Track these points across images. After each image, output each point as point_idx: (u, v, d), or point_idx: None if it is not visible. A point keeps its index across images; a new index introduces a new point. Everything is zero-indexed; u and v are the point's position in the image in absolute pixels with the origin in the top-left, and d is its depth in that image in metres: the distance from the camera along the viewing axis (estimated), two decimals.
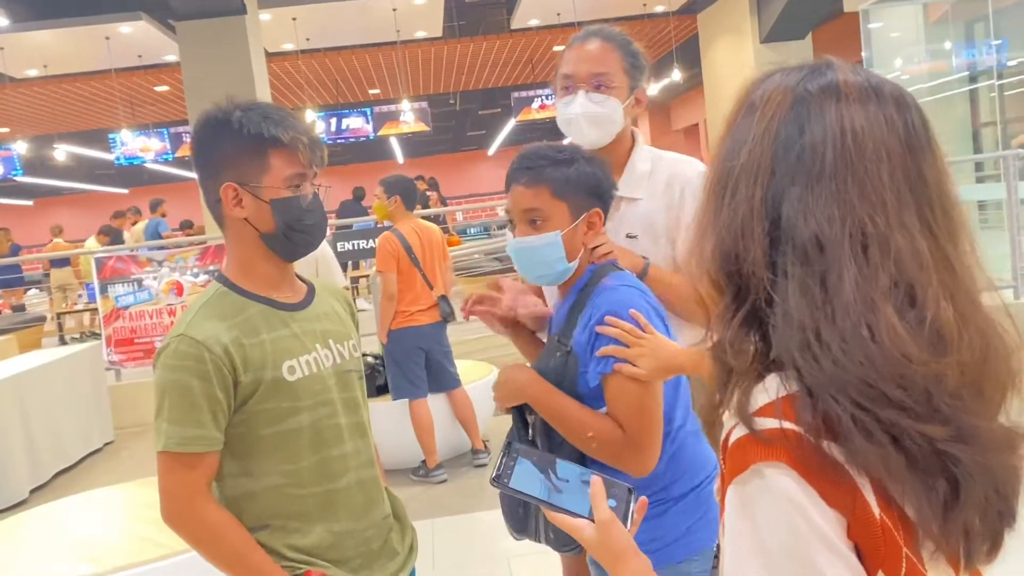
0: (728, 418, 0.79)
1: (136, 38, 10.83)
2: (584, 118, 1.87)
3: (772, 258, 0.76)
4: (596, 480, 1.01)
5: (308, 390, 1.49)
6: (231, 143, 1.45)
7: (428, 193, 11.68)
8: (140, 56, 12.05)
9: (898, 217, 0.75)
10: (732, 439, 0.77)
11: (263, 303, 1.51)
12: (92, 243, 11.24)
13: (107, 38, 10.64)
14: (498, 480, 1.07)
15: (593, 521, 1.00)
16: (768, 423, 0.74)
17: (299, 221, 1.49)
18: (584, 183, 1.58)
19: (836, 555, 0.72)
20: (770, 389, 0.76)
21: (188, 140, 13.74)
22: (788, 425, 0.73)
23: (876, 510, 0.73)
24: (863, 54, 8.45)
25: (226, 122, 1.45)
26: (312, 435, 1.50)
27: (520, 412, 1.67)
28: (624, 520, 1.00)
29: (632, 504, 1.02)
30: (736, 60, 11.49)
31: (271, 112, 1.47)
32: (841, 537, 0.73)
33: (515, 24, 12.59)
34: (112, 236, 11.39)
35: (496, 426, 5.43)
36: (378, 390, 4.78)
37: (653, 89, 16.05)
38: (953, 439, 0.72)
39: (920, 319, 0.72)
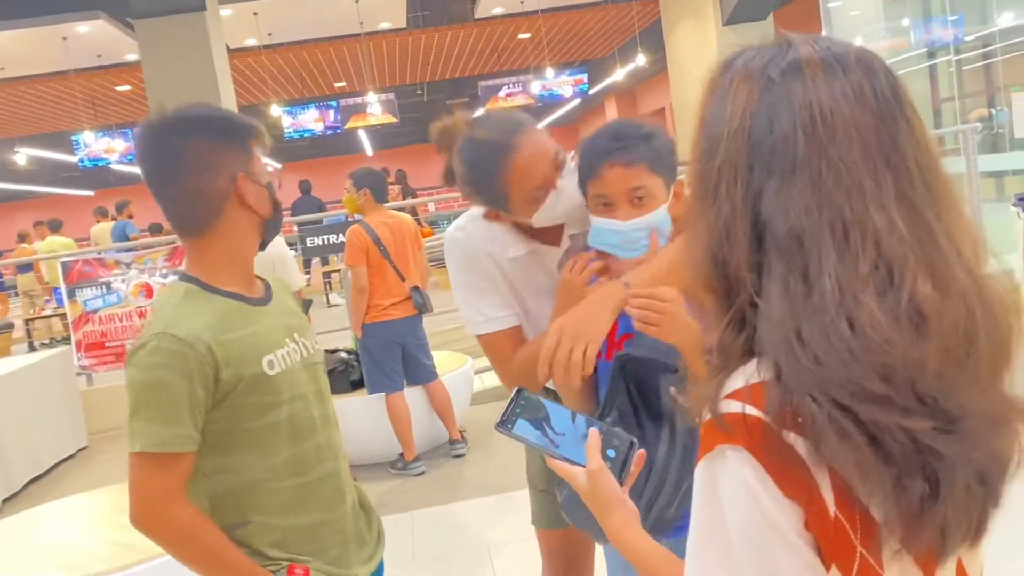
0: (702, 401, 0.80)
1: (95, 37, 10.66)
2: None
3: (756, 258, 0.76)
4: (593, 431, 1.04)
5: (285, 384, 1.51)
6: (215, 141, 1.49)
7: (392, 186, 11.61)
8: (100, 56, 11.87)
9: (876, 197, 0.74)
10: (704, 419, 0.78)
11: (234, 299, 1.52)
12: (47, 244, 11.06)
13: (65, 38, 10.47)
14: (502, 425, 1.10)
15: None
16: (733, 406, 0.75)
17: (278, 202, 1.58)
18: (668, 155, 1.58)
19: (791, 548, 0.73)
20: (746, 374, 0.76)
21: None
22: (751, 411, 0.73)
23: (832, 508, 0.72)
24: (823, 33, 8.53)
25: (202, 122, 1.50)
26: (289, 428, 1.51)
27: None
28: (622, 470, 1.04)
29: (631, 456, 1.05)
30: (699, 43, 11.53)
31: (219, 110, 1.56)
32: (797, 528, 0.73)
33: (479, 13, 12.55)
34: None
35: (472, 416, 5.45)
36: (353, 385, 4.77)
37: (619, 74, 16.08)
38: (937, 430, 0.71)
39: (897, 300, 0.71)
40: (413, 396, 4.65)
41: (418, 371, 4.65)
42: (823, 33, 8.44)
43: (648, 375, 1.51)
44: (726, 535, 0.75)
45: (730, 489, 0.75)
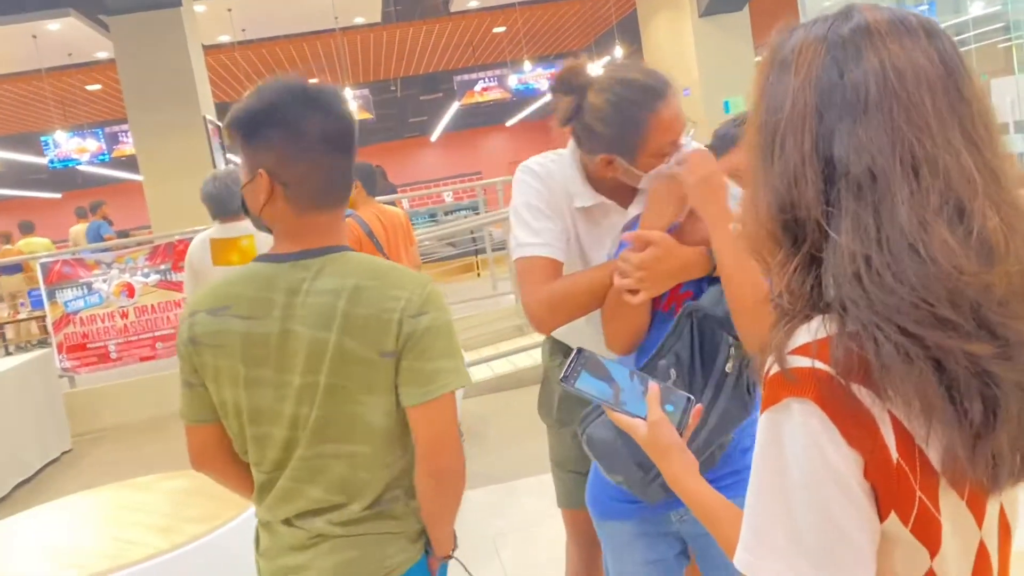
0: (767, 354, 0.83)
1: (65, 35, 10.48)
2: None
3: (826, 200, 0.79)
4: (653, 386, 1.10)
5: None
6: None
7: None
8: (70, 54, 11.67)
9: (944, 136, 0.78)
10: (770, 373, 0.81)
11: None
12: (27, 246, 10.88)
13: (34, 36, 10.27)
14: (566, 380, 1.15)
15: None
16: (801, 361, 0.78)
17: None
18: None
19: (847, 496, 0.77)
20: (812, 329, 0.79)
21: (124, 139, 13.40)
22: (819, 365, 0.77)
23: (894, 453, 0.77)
24: (801, 21, 8.59)
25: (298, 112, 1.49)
26: None
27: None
28: (680, 424, 1.09)
29: (689, 410, 1.11)
30: (676, 35, 11.58)
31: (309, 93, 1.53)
32: (856, 478, 0.77)
33: (454, 7, 12.50)
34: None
35: (467, 409, 5.43)
36: None
37: (596, 67, 16.12)
38: (997, 356, 0.75)
39: (968, 231, 0.75)
40: None
41: None
42: (801, 21, 8.51)
43: (709, 330, 1.53)
44: (787, 484, 0.79)
45: (795, 439, 0.78)
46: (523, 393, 5.77)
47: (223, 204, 3.91)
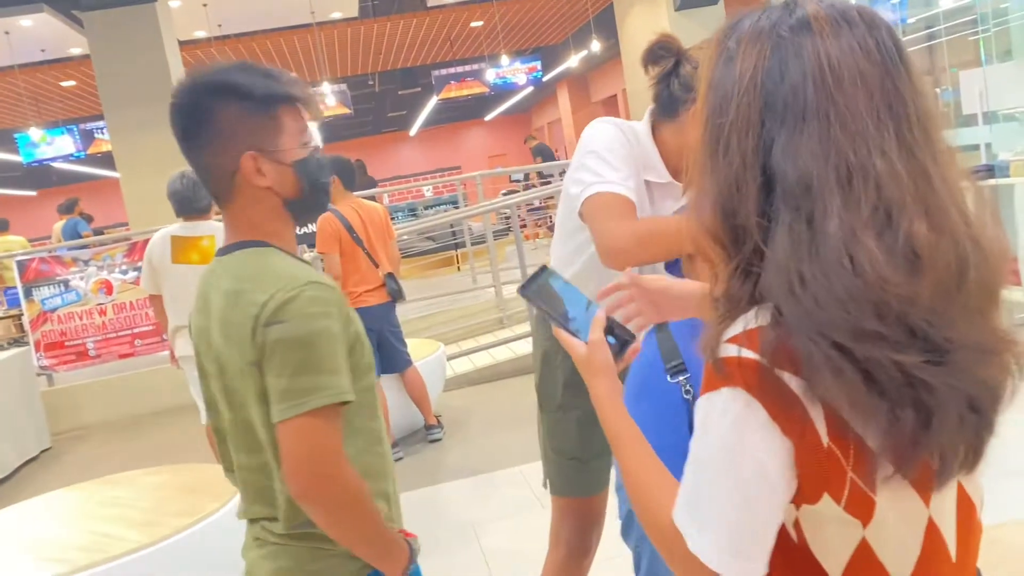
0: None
1: (38, 31, 10.36)
2: None
3: (764, 208, 0.80)
4: (600, 313, 1.13)
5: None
6: (237, 108, 1.33)
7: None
8: (43, 50, 11.54)
9: (878, 143, 0.78)
10: (707, 363, 0.84)
11: (304, 263, 1.44)
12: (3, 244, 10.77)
13: (7, 32, 10.16)
14: (524, 289, 1.16)
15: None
16: (730, 350, 0.81)
17: (318, 180, 1.41)
18: None
19: (761, 479, 0.81)
20: (745, 320, 0.82)
21: (100, 136, 13.28)
22: (747, 353, 0.79)
23: (824, 439, 0.79)
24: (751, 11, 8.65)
25: (229, 87, 1.33)
26: (374, 394, 1.46)
27: None
28: (617, 356, 1.12)
29: (628, 347, 1.13)
30: (652, 28, 11.56)
31: (268, 70, 1.37)
32: (776, 462, 0.81)
33: (431, 1, 12.48)
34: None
35: (446, 402, 5.47)
36: None
37: (573, 61, 16.15)
38: (927, 363, 0.76)
39: (894, 240, 0.76)
40: (387, 383, 4.66)
41: (394, 358, 4.65)
42: None
43: None
44: (711, 465, 0.84)
45: (718, 423, 0.82)
46: (502, 385, 5.81)
47: (188, 202, 3.92)
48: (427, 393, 4.81)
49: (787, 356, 0.78)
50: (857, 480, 0.80)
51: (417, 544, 1.45)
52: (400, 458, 4.62)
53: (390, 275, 4.56)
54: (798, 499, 0.84)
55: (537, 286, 1.16)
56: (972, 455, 0.83)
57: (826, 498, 0.82)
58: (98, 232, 12.28)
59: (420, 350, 5.19)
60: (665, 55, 1.76)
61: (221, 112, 1.34)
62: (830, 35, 0.81)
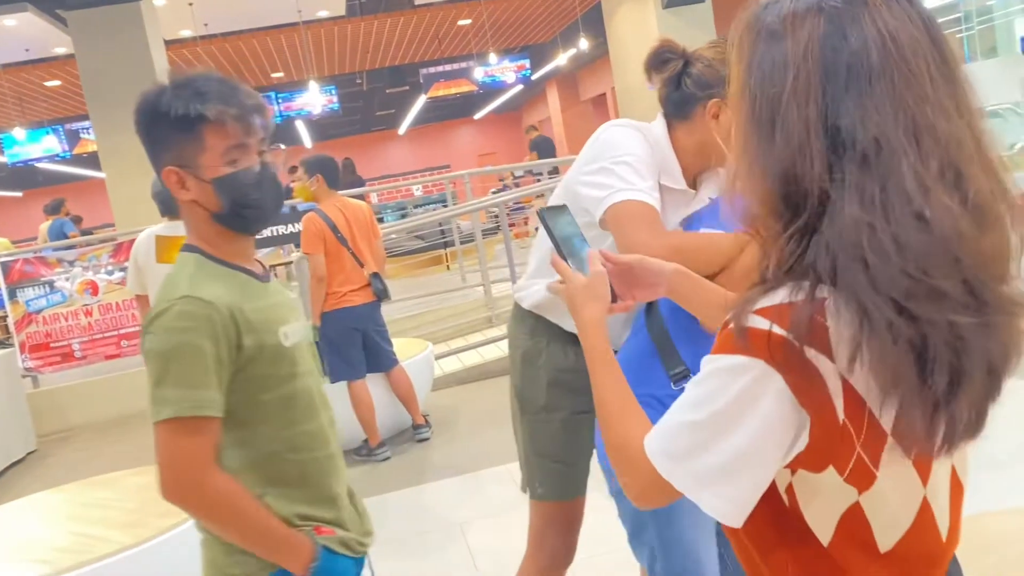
0: (736, 309, 0.87)
1: (22, 31, 10.30)
2: None
3: (831, 172, 0.81)
4: (594, 252, 1.24)
5: (299, 356, 1.50)
6: (163, 126, 1.42)
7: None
8: (28, 50, 11.47)
9: (940, 104, 0.81)
10: (731, 325, 0.85)
11: (242, 272, 1.49)
12: None
13: None
14: (543, 211, 1.27)
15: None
16: (760, 323, 0.82)
17: (245, 197, 1.44)
18: None
19: (766, 437, 0.84)
20: (777, 296, 0.83)
21: (86, 136, 13.20)
22: (777, 329, 0.81)
23: (841, 414, 0.82)
24: None
25: (156, 105, 1.42)
26: (305, 401, 1.50)
27: None
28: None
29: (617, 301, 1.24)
30: (640, 27, 11.64)
31: (204, 86, 1.41)
32: (790, 431, 0.83)
33: (419, 0, 12.47)
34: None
35: (434, 401, 5.47)
36: None
37: (562, 59, 16.15)
38: (979, 326, 0.79)
39: (964, 197, 0.79)
40: (374, 382, 4.65)
41: (379, 357, 4.64)
42: None
43: None
44: (709, 410, 0.86)
45: (729, 377, 0.84)
46: (491, 384, 5.81)
47: (171, 202, 3.90)
48: (414, 392, 4.80)
49: (816, 334, 0.80)
50: (864, 456, 0.84)
51: (334, 539, 1.50)
52: (388, 457, 4.62)
53: (375, 275, 4.55)
54: (796, 464, 0.87)
55: (555, 216, 1.27)
56: (977, 420, 0.85)
57: (830, 470, 0.85)
58: (87, 233, 12.19)
59: (408, 349, 5.18)
60: (672, 58, 1.78)
61: (152, 130, 1.45)
62: (883, 6, 0.83)
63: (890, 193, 0.78)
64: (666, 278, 1.32)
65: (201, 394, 1.34)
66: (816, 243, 0.81)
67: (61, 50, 11.52)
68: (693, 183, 1.84)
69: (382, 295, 4.58)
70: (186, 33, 12.20)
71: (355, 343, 4.52)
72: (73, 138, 13.39)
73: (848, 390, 0.82)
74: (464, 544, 3.42)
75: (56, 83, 13.78)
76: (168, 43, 11.24)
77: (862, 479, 0.85)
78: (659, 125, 1.83)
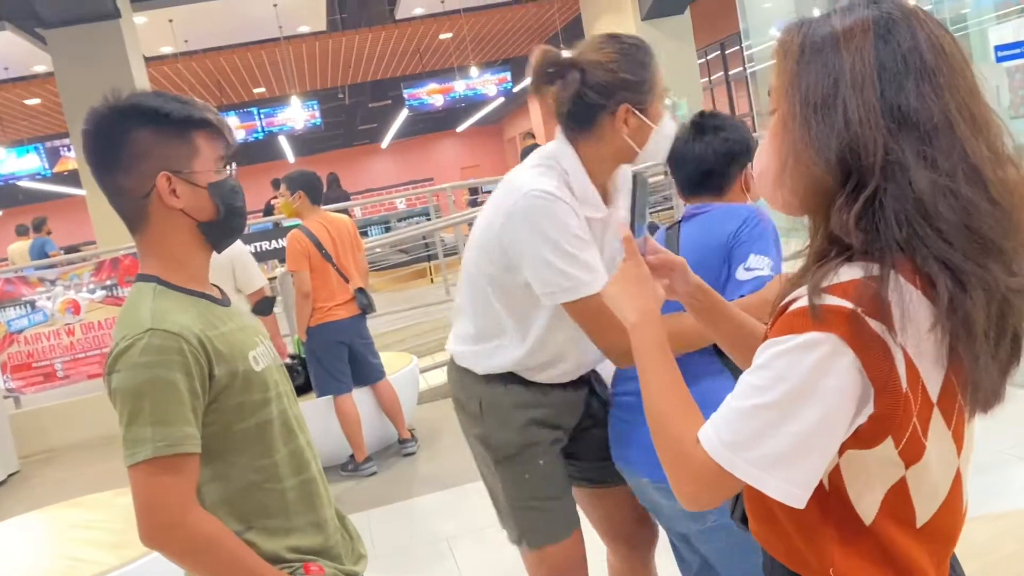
0: (794, 291, 0.94)
1: (1, 50, 10.26)
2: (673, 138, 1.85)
3: (892, 147, 0.88)
4: (652, 240, 1.25)
5: (271, 380, 1.45)
6: (152, 131, 1.36)
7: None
8: (7, 68, 11.44)
9: (981, 98, 0.92)
10: (794, 306, 0.91)
11: (203, 298, 1.43)
12: None
13: None
14: (638, 175, 1.28)
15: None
16: (832, 300, 0.88)
17: (234, 203, 1.43)
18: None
19: (827, 418, 0.88)
20: (841, 275, 0.89)
21: (66, 154, 13.14)
22: (846, 303, 0.87)
23: (904, 383, 0.88)
24: (740, 25, 8.79)
25: (144, 111, 1.36)
26: (281, 426, 1.45)
27: None
28: None
29: None
30: None
31: (180, 97, 1.40)
32: (850, 410, 0.88)
33: (399, 14, 12.51)
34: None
35: (420, 415, 5.46)
36: (299, 389, 4.73)
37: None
38: (1020, 290, 0.89)
39: (1016, 173, 0.91)
40: (361, 397, 4.64)
41: (366, 370, 4.64)
42: (741, 25, 8.71)
43: None
44: (773, 395, 0.89)
45: (793, 360, 0.88)
46: None
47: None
48: (400, 406, 4.80)
49: (882, 308, 0.86)
50: (918, 426, 0.90)
51: None
52: (374, 472, 4.61)
53: (360, 289, 4.56)
54: (849, 445, 0.91)
55: (643, 186, 1.27)
56: (997, 391, 0.93)
57: (887, 443, 0.90)
58: (73, 250, 12.06)
59: (393, 363, 5.18)
60: (562, 70, 1.68)
61: (136, 135, 1.36)
62: (926, 19, 0.93)
63: (957, 164, 0.87)
64: (690, 289, 1.31)
65: (179, 430, 1.28)
66: (882, 213, 0.87)
67: (41, 68, 11.48)
68: (604, 198, 1.78)
69: (367, 309, 4.58)
70: (167, 50, 12.18)
71: (341, 357, 4.52)
72: (54, 156, 13.33)
73: (908, 360, 0.88)
74: (452, 559, 3.42)
75: (36, 101, 13.72)
76: (148, 60, 11.22)
77: (913, 451, 0.91)
78: (566, 155, 1.72)
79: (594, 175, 1.74)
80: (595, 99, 1.67)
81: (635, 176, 1.27)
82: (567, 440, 1.96)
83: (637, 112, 1.68)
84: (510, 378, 1.88)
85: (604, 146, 1.71)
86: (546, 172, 1.71)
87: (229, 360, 1.37)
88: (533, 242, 1.66)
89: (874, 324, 0.86)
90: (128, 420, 1.28)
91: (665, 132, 1.73)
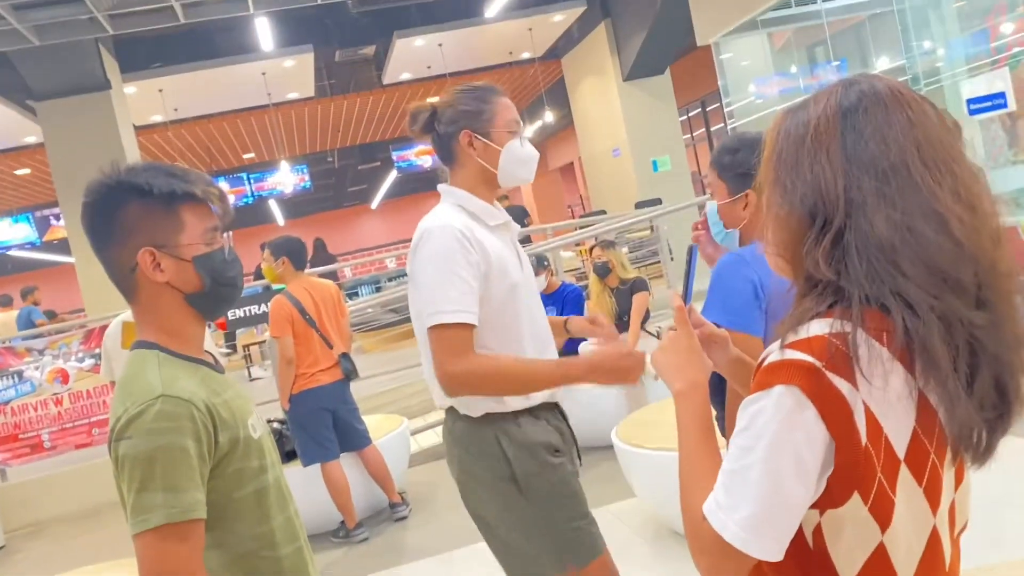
0: (770, 348, 0.98)
1: None
2: (535, 161, 2.14)
3: (853, 190, 0.94)
4: (697, 312, 1.28)
5: (267, 448, 1.47)
6: (138, 206, 1.38)
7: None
8: None
9: (947, 143, 0.96)
10: (766, 363, 0.95)
11: (203, 365, 1.45)
12: None
13: None
14: (694, 248, 1.34)
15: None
16: (794, 355, 0.92)
17: (223, 275, 1.44)
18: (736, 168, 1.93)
19: (799, 472, 0.91)
20: (810, 330, 0.94)
21: (56, 223, 13.19)
22: (808, 358, 0.91)
23: (863, 438, 0.90)
24: (719, 82, 8.98)
25: (128, 185, 1.38)
26: (276, 493, 1.46)
27: None
28: None
29: None
30: (602, 98, 11.96)
31: (173, 169, 1.42)
32: (818, 461, 0.91)
33: (387, 79, 12.74)
34: None
35: (411, 478, 5.41)
36: (287, 456, 4.69)
37: (528, 132, 16.48)
38: (989, 325, 0.91)
39: (984, 219, 0.93)
40: (348, 462, 4.60)
41: (351, 436, 4.60)
42: (720, 83, 8.90)
43: None
44: (752, 457, 0.93)
45: (769, 416, 0.92)
46: None
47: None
48: (388, 471, 4.74)
49: (841, 361, 0.90)
50: (884, 481, 0.91)
51: None
52: (366, 538, 4.55)
53: (344, 355, 4.55)
54: (824, 503, 0.93)
55: (694, 258, 1.32)
56: (986, 445, 0.95)
57: (855, 498, 0.92)
58: (50, 315, 11.98)
59: (384, 426, 5.15)
60: (423, 115, 2.05)
61: (122, 210, 1.39)
62: (873, 79, 1.01)
63: (914, 203, 0.92)
64: (730, 359, 1.33)
65: (190, 496, 1.28)
66: (846, 251, 0.93)
67: (31, 139, 11.60)
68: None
69: (351, 375, 4.56)
70: (157, 118, 12.34)
71: (325, 423, 4.48)
72: (43, 225, 13.39)
73: (869, 415, 0.91)
74: None
75: (26, 171, 13.83)
76: (139, 128, 11.36)
77: (883, 508, 0.92)
78: (449, 190, 2.06)
79: (478, 196, 2.04)
80: (444, 129, 2.03)
81: (691, 248, 1.33)
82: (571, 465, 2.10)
83: (479, 136, 2.01)
84: (515, 414, 2.00)
85: (467, 171, 2.04)
86: (439, 211, 2.01)
87: (231, 427, 1.38)
88: (419, 268, 1.94)
89: (835, 379, 0.90)
90: (139, 487, 1.27)
91: (516, 155, 2.03)
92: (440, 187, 2.11)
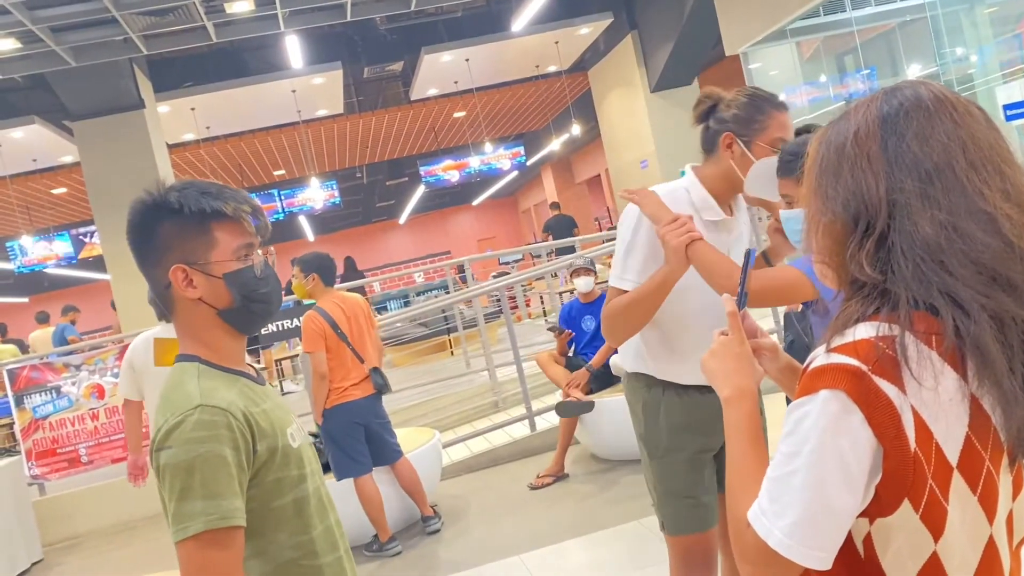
0: (815, 352, 0.96)
1: (29, 142, 10.60)
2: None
3: (895, 191, 0.94)
4: (751, 320, 1.26)
5: (307, 457, 1.49)
6: (172, 224, 1.42)
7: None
8: (35, 160, 11.78)
9: (993, 143, 0.95)
10: (811, 367, 0.94)
11: (242, 376, 1.47)
12: None
13: None
14: (751, 251, 1.33)
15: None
16: (840, 359, 0.91)
17: (255, 291, 1.46)
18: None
19: (845, 479, 0.89)
20: (856, 334, 0.92)
21: (91, 241, 13.40)
22: (855, 363, 0.90)
23: (912, 443, 0.88)
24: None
25: (163, 204, 1.42)
26: (316, 502, 1.47)
27: None
28: None
29: None
30: (630, 110, 11.94)
31: (207, 187, 1.45)
32: (865, 468, 0.89)
33: (414, 95, 12.83)
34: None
35: (444, 491, 5.40)
36: (324, 468, 4.69)
37: (555, 144, 16.52)
38: None
39: None
40: (381, 476, 4.61)
41: (384, 450, 4.61)
42: None
43: None
44: (796, 464, 0.92)
45: (814, 422, 0.90)
46: (500, 471, 5.76)
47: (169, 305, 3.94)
48: (420, 484, 4.75)
49: (888, 366, 0.88)
50: (936, 489, 0.89)
51: None
52: (399, 552, 4.55)
53: (375, 369, 4.56)
54: (874, 511, 0.91)
55: (749, 264, 1.31)
56: None
57: (906, 505, 0.90)
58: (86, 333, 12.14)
59: (415, 439, 5.16)
60: (705, 101, 2.13)
61: (157, 228, 1.43)
62: (917, 84, 1.00)
63: (956, 202, 0.91)
64: (780, 367, 1.31)
65: (229, 503, 1.30)
66: (891, 253, 0.92)
67: (67, 158, 11.82)
68: (729, 209, 2.18)
69: (383, 389, 4.57)
70: (189, 137, 12.52)
71: (358, 438, 4.50)
72: (79, 243, 13.60)
73: (918, 420, 0.89)
74: None
75: (62, 190, 14.09)
76: (171, 147, 11.54)
77: (936, 516, 0.90)
78: (687, 178, 2.17)
79: (713, 191, 2.13)
80: (714, 126, 2.13)
81: (747, 252, 1.32)
82: (719, 448, 2.20)
83: (740, 142, 2.07)
84: (667, 388, 2.18)
85: (717, 167, 2.12)
86: (670, 184, 2.17)
87: (270, 436, 1.40)
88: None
89: (882, 383, 0.88)
90: (179, 496, 1.29)
91: (766, 172, 2.05)
92: (686, 166, 2.22)
